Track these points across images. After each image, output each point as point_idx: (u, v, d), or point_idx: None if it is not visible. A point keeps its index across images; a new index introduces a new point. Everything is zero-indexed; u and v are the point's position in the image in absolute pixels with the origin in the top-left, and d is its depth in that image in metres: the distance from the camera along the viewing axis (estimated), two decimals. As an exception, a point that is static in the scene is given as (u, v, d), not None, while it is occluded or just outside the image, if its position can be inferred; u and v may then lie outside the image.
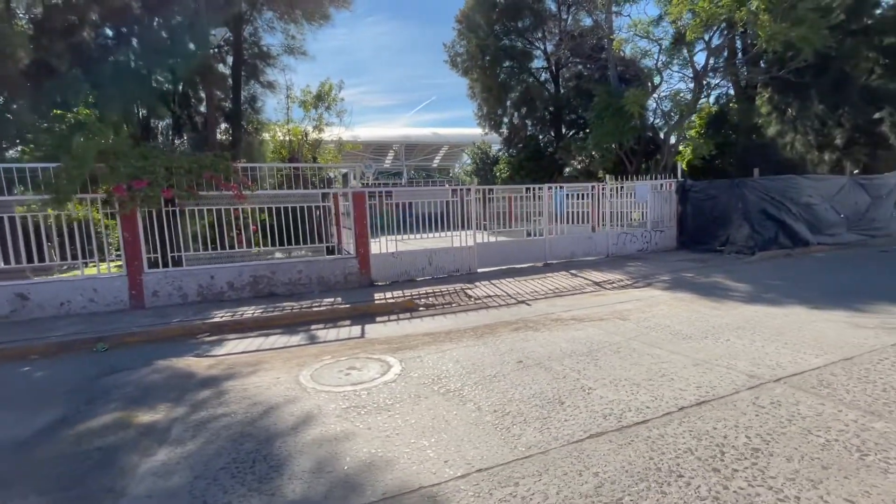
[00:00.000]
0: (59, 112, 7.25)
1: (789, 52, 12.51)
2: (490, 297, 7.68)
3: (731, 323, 5.52)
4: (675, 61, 15.33)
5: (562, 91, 22.66)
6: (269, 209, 8.79)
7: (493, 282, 8.89)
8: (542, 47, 23.10)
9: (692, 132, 16.73)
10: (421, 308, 7.18)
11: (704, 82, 15.30)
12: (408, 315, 6.80)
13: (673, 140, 16.48)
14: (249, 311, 6.96)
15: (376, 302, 7.43)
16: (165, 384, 4.34)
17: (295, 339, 5.79)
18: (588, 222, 12.05)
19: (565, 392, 3.71)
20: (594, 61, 19.69)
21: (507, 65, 22.80)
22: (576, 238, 11.45)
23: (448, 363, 4.53)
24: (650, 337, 5.11)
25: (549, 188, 11.23)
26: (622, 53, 16.41)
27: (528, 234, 11.16)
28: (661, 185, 12.55)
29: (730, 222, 11.58)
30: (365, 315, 6.89)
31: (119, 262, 7.80)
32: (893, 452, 2.65)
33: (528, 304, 7.08)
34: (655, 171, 15.18)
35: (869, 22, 15.55)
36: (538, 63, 23.64)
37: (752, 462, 2.63)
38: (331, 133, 15.01)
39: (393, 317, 6.74)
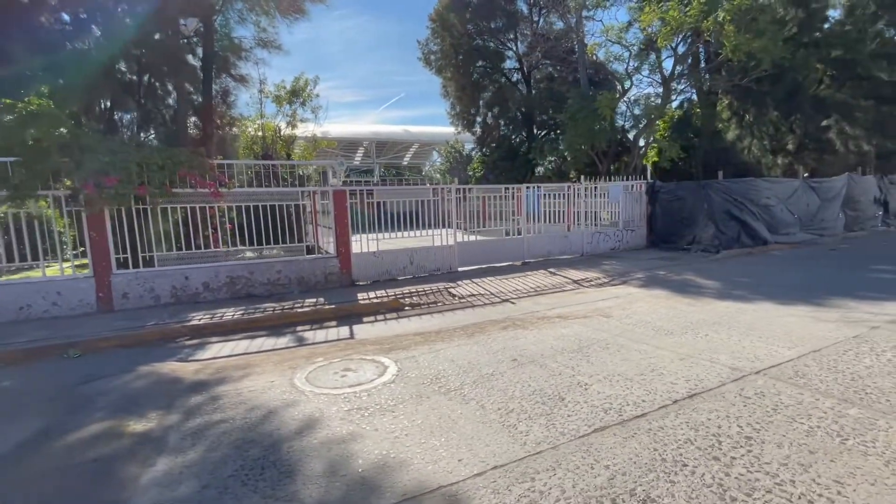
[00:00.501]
0: (8, 101, 6.74)
1: (751, 62, 13.23)
2: (474, 295, 7.76)
3: (707, 319, 5.82)
4: (644, 66, 15.92)
5: (533, 92, 23.06)
6: (246, 207, 8.53)
7: (474, 280, 8.98)
8: (515, 48, 23.44)
9: (658, 135, 17.43)
10: (407, 308, 7.17)
11: (672, 87, 15.96)
12: (394, 315, 6.78)
13: (642, 143, 17.11)
14: (229, 313, 6.76)
15: (361, 302, 7.37)
16: (152, 391, 4.16)
17: (282, 341, 5.67)
18: (563, 222, 12.35)
19: (564, 388, 3.82)
20: (566, 64, 20.14)
21: (480, 64, 23.02)
22: (552, 237, 11.71)
23: (443, 363, 4.57)
24: (634, 333, 5.32)
25: (528, 188, 11.44)
26: (595, 57, 16.87)
27: (507, 234, 11.33)
28: (632, 186, 13.00)
29: (696, 222, 12.16)
30: (351, 315, 6.82)
31: (84, 261, 7.38)
32: (870, 436, 2.90)
33: (513, 303, 7.20)
34: (625, 172, 15.70)
35: (818, 35, 16.66)
36: (510, 64, 24.00)
37: (748, 450, 2.80)
38: (304, 129, 14.72)
39: (380, 317, 6.71)
